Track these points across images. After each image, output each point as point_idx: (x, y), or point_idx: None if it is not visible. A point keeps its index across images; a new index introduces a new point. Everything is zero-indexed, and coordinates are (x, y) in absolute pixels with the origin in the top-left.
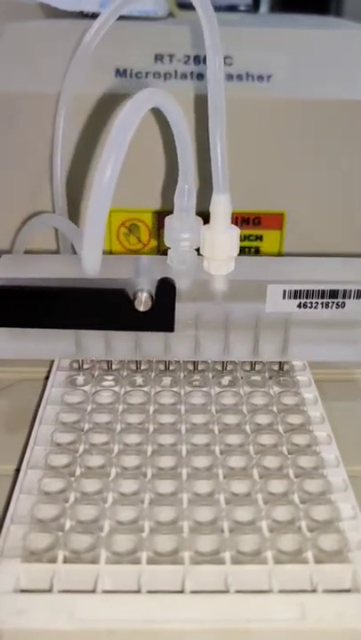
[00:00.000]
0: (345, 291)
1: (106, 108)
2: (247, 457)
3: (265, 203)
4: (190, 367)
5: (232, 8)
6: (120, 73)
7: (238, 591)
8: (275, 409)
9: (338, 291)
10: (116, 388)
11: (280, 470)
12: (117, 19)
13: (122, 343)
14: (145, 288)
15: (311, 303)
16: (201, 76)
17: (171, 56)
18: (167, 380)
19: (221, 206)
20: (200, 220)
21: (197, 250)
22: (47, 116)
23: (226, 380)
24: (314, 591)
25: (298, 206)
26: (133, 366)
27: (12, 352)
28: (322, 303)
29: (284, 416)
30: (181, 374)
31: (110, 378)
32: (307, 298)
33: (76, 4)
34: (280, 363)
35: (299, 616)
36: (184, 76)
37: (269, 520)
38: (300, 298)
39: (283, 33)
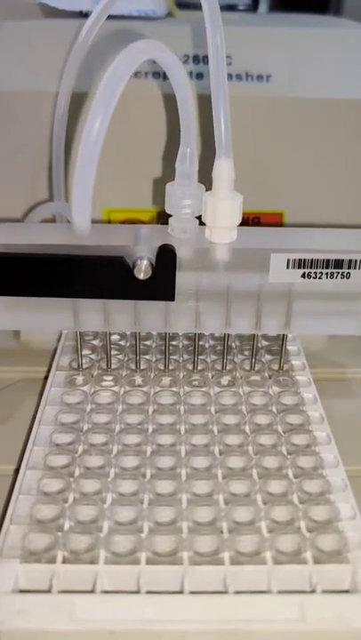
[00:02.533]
0: (350, 260)
1: None
2: (246, 457)
3: (264, 202)
4: (190, 367)
5: (231, 7)
6: None
7: (237, 592)
8: (274, 409)
9: (343, 260)
10: (116, 388)
11: (279, 470)
12: (116, 18)
13: (121, 315)
14: (145, 256)
15: (315, 273)
16: (200, 76)
17: None
18: (166, 380)
19: (224, 171)
20: (202, 186)
21: (199, 218)
22: (45, 115)
23: (225, 379)
24: (313, 592)
25: (297, 205)
26: (133, 366)
27: (8, 323)
28: (326, 273)
29: (283, 416)
30: (181, 374)
31: (109, 378)
32: (311, 267)
33: (74, 3)
34: (280, 362)
35: (298, 617)
36: None
37: (268, 520)
38: (304, 267)
39: (282, 32)
